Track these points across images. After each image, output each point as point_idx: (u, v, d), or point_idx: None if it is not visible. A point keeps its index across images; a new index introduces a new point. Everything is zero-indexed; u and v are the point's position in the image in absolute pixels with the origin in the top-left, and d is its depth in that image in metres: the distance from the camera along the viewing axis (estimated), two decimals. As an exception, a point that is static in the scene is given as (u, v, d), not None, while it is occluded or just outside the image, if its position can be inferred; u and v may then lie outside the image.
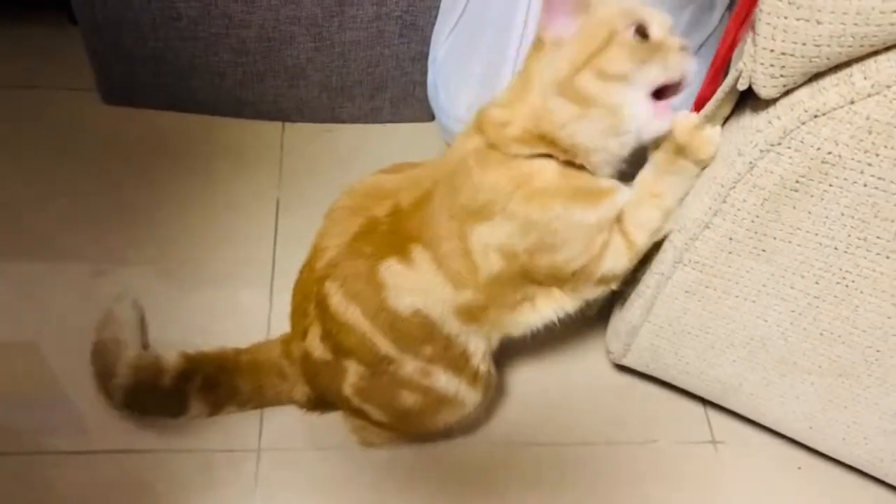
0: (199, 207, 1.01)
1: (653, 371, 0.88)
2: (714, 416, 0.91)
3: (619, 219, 0.70)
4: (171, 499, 0.78)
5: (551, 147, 0.66)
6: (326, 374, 0.77)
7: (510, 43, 0.90)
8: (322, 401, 0.82)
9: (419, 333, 0.72)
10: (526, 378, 0.92)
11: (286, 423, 0.84)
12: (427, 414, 0.78)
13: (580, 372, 0.93)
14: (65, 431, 0.81)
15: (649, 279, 0.76)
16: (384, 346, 0.72)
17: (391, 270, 0.70)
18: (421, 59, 1.05)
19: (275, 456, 0.82)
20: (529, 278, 0.71)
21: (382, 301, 0.70)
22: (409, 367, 0.74)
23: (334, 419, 0.85)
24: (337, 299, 0.72)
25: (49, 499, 0.77)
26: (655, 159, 0.70)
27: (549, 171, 0.67)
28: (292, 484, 0.81)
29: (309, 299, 0.76)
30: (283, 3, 0.95)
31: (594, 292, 0.73)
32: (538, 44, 0.67)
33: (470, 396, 0.77)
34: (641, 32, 0.64)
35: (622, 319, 0.83)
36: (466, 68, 0.98)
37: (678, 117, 0.66)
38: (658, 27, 0.65)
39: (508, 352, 0.92)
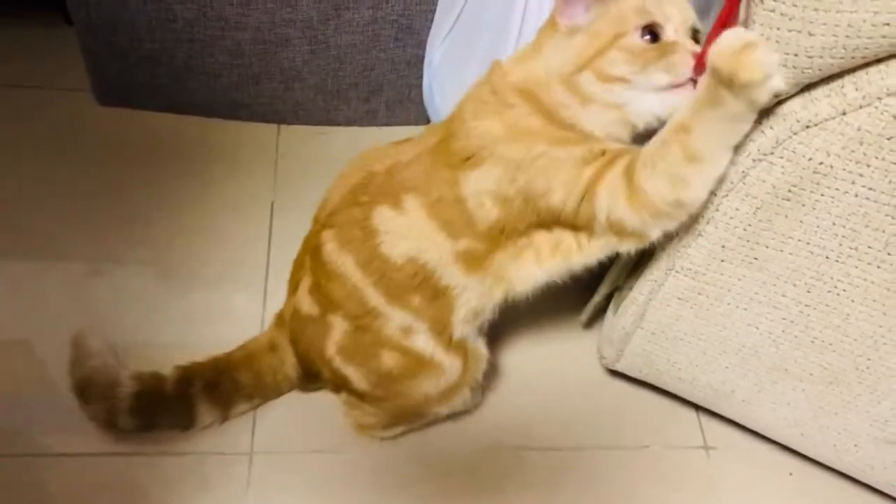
0: (194, 209, 1.01)
1: (645, 377, 0.88)
2: (706, 421, 0.91)
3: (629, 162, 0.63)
4: (163, 501, 0.78)
5: (548, 116, 0.65)
6: (312, 331, 0.77)
7: (507, 47, 0.90)
8: (311, 374, 0.82)
9: (410, 282, 0.71)
10: (519, 382, 0.92)
11: (279, 425, 0.84)
12: (406, 378, 0.77)
13: (573, 377, 0.93)
14: (58, 433, 0.81)
15: (642, 286, 0.76)
16: (373, 297, 0.72)
17: (383, 216, 0.70)
18: (417, 62, 1.05)
19: (267, 458, 0.82)
20: (537, 224, 0.68)
21: (375, 248, 0.71)
22: (394, 322, 0.73)
23: (327, 421, 0.85)
24: (330, 247, 0.73)
25: (42, 501, 0.77)
26: (696, 92, 0.59)
27: (537, 119, 0.66)
28: (285, 486, 0.81)
29: (307, 250, 0.77)
30: (279, 5, 0.95)
31: (606, 244, 0.67)
32: (552, 23, 0.66)
33: (447, 362, 0.76)
34: (653, 32, 0.63)
35: (615, 325, 0.83)
36: (462, 72, 0.98)
37: (720, 39, 0.54)
38: (673, 28, 0.63)
39: (502, 355, 0.92)
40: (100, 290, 0.91)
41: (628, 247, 0.67)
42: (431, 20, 1.00)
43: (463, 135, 0.67)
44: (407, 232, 0.70)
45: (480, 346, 0.80)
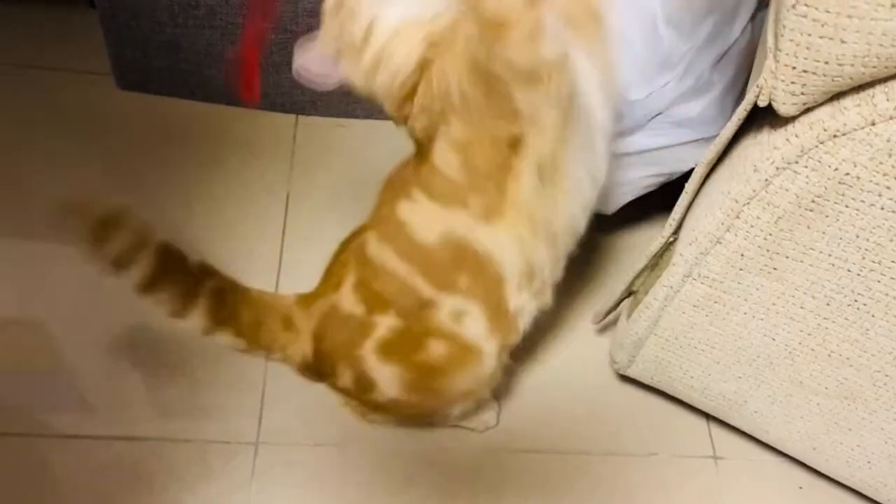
0: (209, 197, 1.01)
1: (657, 384, 0.87)
2: (717, 430, 0.90)
3: None
4: (166, 487, 0.78)
5: None
6: (348, 329, 0.76)
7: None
8: (321, 371, 0.80)
9: (451, 260, 0.70)
10: (526, 383, 0.91)
11: (285, 416, 0.84)
12: (449, 370, 0.76)
13: (582, 380, 0.92)
14: (65, 413, 0.82)
15: (657, 291, 0.75)
16: (422, 287, 0.72)
17: (405, 209, 0.71)
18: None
19: (272, 449, 0.82)
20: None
21: (409, 237, 0.71)
22: (445, 309, 0.72)
23: (332, 415, 0.84)
24: (374, 245, 0.73)
25: (45, 481, 0.77)
26: None
27: None
28: (288, 478, 0.80)
29: (349, 250, 0.77)
30: (301, -5, 0.95)
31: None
32: None
33: (488, 348, 0.75)
34: None
35: (628, 330, 0.82)
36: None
37: None
38: None
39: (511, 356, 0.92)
40: (111, 276, 0.91)
41: None
42: (454, 15, 0.99)
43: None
44: (427, 217, 0.70)
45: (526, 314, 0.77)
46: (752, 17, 0.88)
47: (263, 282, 0.94)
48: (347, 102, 1.09)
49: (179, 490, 0.78)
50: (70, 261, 0.91)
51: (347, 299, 0.75)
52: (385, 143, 1.10)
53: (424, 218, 0.70)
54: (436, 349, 0.74)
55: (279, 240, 0.98)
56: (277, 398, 0.85)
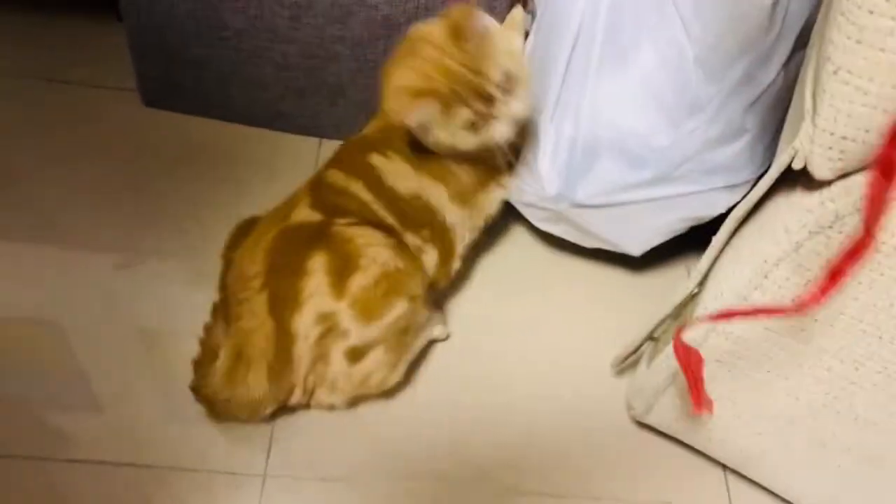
0: (227, 215, 1.00)
1: (674, 433, 0.85)
2: (733, 481, 0.88)
3: None
4: (171, 518, 0.77)
5: None
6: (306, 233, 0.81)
7: (552, 82, 0.87)
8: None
9: (419, 216, 0.85)
10: (541, 424, 0.89)
11: (295, 449, 0.83)
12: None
13: (597, 423, 0.90)
14: (75, 435, 0.81)
15: (679, 342, 0.73)
16: (387, 217, 0.83)
17: (377, 160, 0.84)
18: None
19: (280, 483, 0.81)
20: None
21: (380, 179, 0.83)
22: (409, 241, 0.84)
23: (342, 450, 0.83)
24: (336, 176, 0.84)
25: (52, 504, 0.77)
26: None
27: None
28: (294, 513, 0.79)
29: (299, 189, 0.87)
30: (329, 21, 0.94)
31: None
32: None
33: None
34: None
35: (648, 379, 0.80)
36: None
37: None
38: None
39: (527, 394, 0.90)
40: (125, 281, 0.93)
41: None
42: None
43: None
44: (402, 174, 0.84)
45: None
46: (788, 61, 0.85)
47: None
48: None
49: (184, 520, 0.78)
50: (86, 269, 0.92)
51: (304, 215, 0.82)
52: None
53: (398, 173, 0.84)
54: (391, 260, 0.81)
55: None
56: (287, 431, 0.84)
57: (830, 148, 0.52)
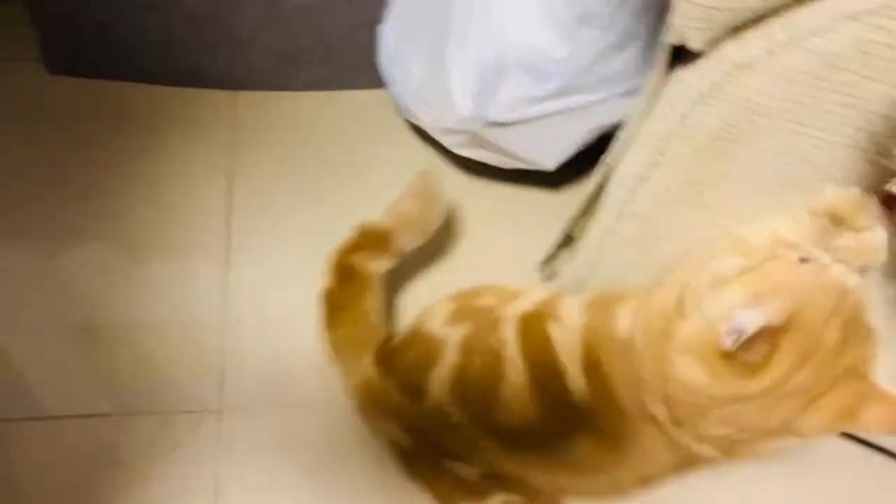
0: (151, 179, 1.00)
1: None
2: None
3: None
4: (134, 460, 0.79)
5: None
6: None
7: (455, 10, 0.91)
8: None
9: None
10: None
11: (247, 382, 0.86)
12: None
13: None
14: (21, 397, 0.81)
15: (594, 234, 0.80)
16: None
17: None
18: (373, 25, 1.05)
19: (236, 416, 0.83)
20: None
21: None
22: None
23: (293, 378, 0.86)
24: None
25: (9, 467, 0.77)
26: None
27: None
28: (255, 443, 0.82)
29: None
30: (230, -32, 0.95)
31: None
32: None
33: None
34: None
35: (571, 275, 0.86)
36: (414, 39, 0.99)
37: None
38: None
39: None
40: (59, 266, 0.91)
41: None
42: (385, -18, 1.01)
43: None
44: None
45: None
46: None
47: (214, 256, 0.95)
48: (286, 75, 1.10)
49: (148, 461, 0.79)
50: (15, 259, 0.91)
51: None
52: (326, 115, 1.12)
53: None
54: None
55: (226, 216, 0.98)
56: (237, 365, 0.86)
57: (698, 18, 0.58)
